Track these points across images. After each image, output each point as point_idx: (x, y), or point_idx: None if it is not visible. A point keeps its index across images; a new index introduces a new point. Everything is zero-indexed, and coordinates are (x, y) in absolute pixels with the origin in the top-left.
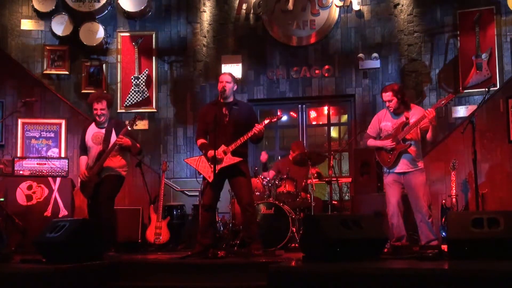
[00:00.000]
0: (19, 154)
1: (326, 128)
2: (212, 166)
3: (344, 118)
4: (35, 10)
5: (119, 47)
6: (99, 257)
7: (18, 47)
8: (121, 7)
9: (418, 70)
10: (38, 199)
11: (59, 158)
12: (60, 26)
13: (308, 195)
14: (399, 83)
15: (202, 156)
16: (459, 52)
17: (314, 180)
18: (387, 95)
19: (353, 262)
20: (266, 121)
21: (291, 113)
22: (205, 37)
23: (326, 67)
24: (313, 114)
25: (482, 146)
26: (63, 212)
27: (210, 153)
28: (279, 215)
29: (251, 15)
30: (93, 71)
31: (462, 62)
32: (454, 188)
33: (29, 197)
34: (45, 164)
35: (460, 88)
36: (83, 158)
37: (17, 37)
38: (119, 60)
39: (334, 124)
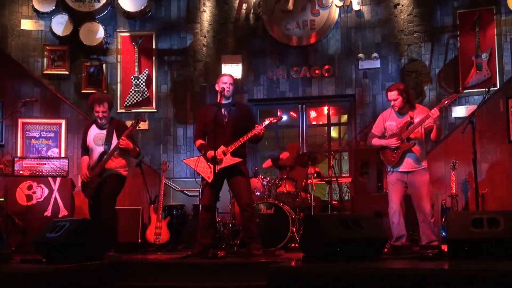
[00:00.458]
0: (19, 154)
1: (326, 128)
2: (211, 166)
3: (344, 118)
4: (35, 10)
5: (119, 47)
6: (99, 257)
7: (18, 47)
8: (121, 7)
9: (418, 70)
10: (38, 199)
11: (59, 158)
12: (60, 26)
13: (308, 195)
14: (404, 83)
15: (201, 156)
16: (459, 52)
17: (314, 180)
18: (393, 94)
19: (353, 262)
20: (267, 122)
21: (291, 113)
22: (205, 37)
23: (326, 67)
24: (313, 114)
25: (482, 146)
26: (63, 212)
27: (210, 153)
28: (279, 215)
29: (251, 15)
30: (93, 71)
31: (462, 62)
32: (454, 188)
33: (29, 197)
34: (45, 164)
35: (460, 88)
36: (85, 159)
37: (17, 37)
38: (119, 60)
39: (334, 124)
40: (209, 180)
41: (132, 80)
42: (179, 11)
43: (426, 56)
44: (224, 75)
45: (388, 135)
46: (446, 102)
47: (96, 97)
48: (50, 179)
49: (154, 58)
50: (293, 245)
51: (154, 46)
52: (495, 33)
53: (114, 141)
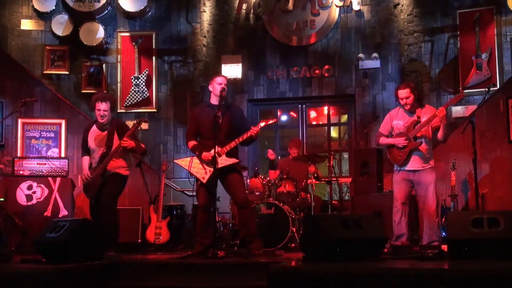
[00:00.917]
0: (19, 154)
1: (326, 128)
2: (205, 167)
3: (344, 118)
4: (35, 10)
5: (119, 47)
6: (99, 257)
7: (18, 47)
8: (121, 7)
9: (418, 70)
10: (38, 199)
11: (59, 158)
12: (60, 26)
13: (308, 195)
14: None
15: (194, 157)
16: (459, 52)
17: (313, 180)
18: (405, 92)
19: (353, 262)
20: (262, 124)
21: (291, 113)
22: (205, 37)
23: (326, 67)
24: (313, 114)
25: (482, 146)
26: (63, 212)
27: (205, 155)
28: (279, 215)
29: (251, 15)
30: (93, 71)
31: (462, 62)
32: (454, 188)
33: (29, 197)
34: (45, 164)
35: (460, 88)
36: (86, 159)
37: (17, 37)
38: (119, 60)
39: (334, 124)
40: (204, 181)
41: (132, 80)
42: (179, 11)
43: (426, 56)
44: (219, 75)
45: (395, 134)
46: (453, 101)
47: (100, 95)
48: (50, 179)
49: (154, 58)
50: (293, 245)
51: (154, 46)
52: (495, 33)
53: (116, 142)
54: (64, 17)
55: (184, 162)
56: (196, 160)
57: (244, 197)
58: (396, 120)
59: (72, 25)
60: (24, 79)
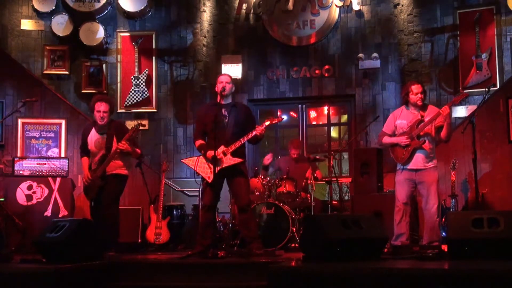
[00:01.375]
0: (19, 154)
1: (326, 128)
2: (211, 166)
3: (344, 118)
4: (35, 10)
5: (119, 47)
6: (99, 257)
7: (18, 47)
8: (121, 7)
9: (418, 70)
10: (38, 199)
11: (59, 158)
12: (60, 26)
13: (308, 195)
14: None
15: (201, 156)
16: (459, 52)
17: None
18: (419, 87)
19: (353, 262)
20: (267, 123)
21: (291, 113)
22: (205, 37)
23: (326, 67)
24: (313, 114)
25: (482, 146)
26: (63, 212)
27: (209, 153)
28: (279, 215)
29: (251, 15)
30: (93, 71)
31: (462, 62)
32: (454, 188)
33: (29, 197)
34: (45, 164)
35: (460, 88)
36: (85, 160)
37: (17, 37)
38: (119, 60)
39: (334, 124)
40: (209, 181)
41: (132, 80)
42: (179, 11)
43: (426, 56)
44: (221, 74)
45: (399, 133)
46: (457, 100)
47: (99, 96)
48: (50, 179)
49: (154, 58)
50: (293, 245)
51: (154, 46)
52: (495, 33)
53: (115, 144)
54: (64, 17)
55: (191, 161)
56: (202, 160)
57: (246, 201)
58: (399, 120)
59: (72, 25)
60: (24, 79)
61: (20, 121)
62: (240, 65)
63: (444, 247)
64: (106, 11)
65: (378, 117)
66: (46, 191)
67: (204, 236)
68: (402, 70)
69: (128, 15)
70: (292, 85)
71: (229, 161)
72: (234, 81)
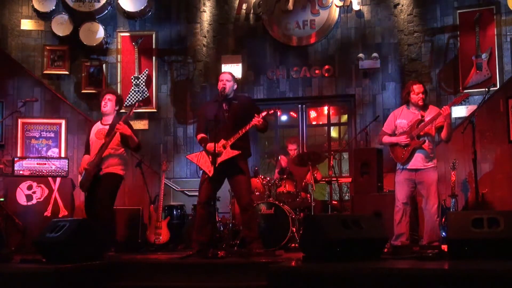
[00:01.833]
0: (19, 154)
1: (326, 128)
2: (211, 159)
3: (344, 118)
4: (35, 10)
5: (119, 47)
6: (99, 257)
7: (18, 47)
8: (121, 7)
9: (418, 70)
10: (38, 199)
11: (59, 158)
12: (60, 26)
13: (308, 195)
14: None
15: (203, 151)
16: (459, 52)
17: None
18: (421, 87)
19: (353, 262)
20: (264, 113)
21: (291, 113)
22: (205, 37)
23: (326, 67)
24: (313, 114)
25: (482, 146)
26: (63, 212)
27: (209, 145)
28: (279, 215)
29: (251, 15)
30: (93, 71)
31: (462, 62)
32: (454, 188)
33: (29, 197)
34: (45, 164)
35: (460, 88)
36: (86, 157)
37: (17, 37)
38: (119, 60)
39: (334, 124)
40: (210, 174)
41: (132, 80)
42: (179, 11)
43: (426, 56)
44: (222, 72)
45: (399, 133)
46: (457, 100)
47: (107, 89)
48: (50, 179)
49: (154, 58)
50: (293, 245)
51: (154, 46)
52: (495, 33)
53: (117, 136)
54: (64, 17)
55: (194, 156)
56: (204, 154)
57: (248, 200)
58: (400, 119)
59: (72, 25)
60: (24, 79)
61: (20, 121)
62: (240, 65)
63: (444, 247)
64: (106, 11)
65: (378, 117)
66: (46, 191)
67: (200, 233)
68: (402, 70)
69: (128, 15)
70: (292, 85)
71: (228, 153)
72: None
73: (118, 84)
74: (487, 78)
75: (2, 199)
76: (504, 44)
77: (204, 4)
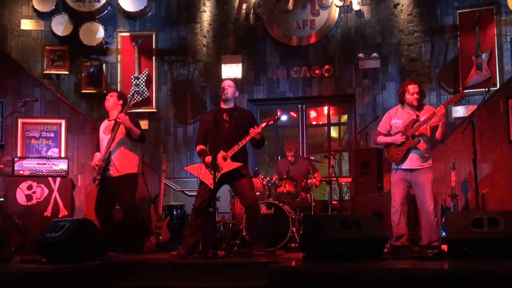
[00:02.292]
0: (19, 154)
1: (326, 128)
2: (212, 173)
3: (344, 118)
4: (35, 10)
5: (119, 47)
6: (99, 257)
7: (18, 47)
8: (121, 7)
9: (418, 70)
10: (38, 199)
11: (59, 158)
12: (60, 26)
13: (308, 195)
14: None
15: (202, 163)
16: (459, 52)
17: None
18: (416, 87)
19: (353, 262)
20: (263, 124)
21: (291, 113)
22: (205, 37)
23: (326, 67)
24: (313, 114)
25: (482, 146)
26: (63, 212)
27: (208, 159)
28: (279, 215)
29: (251, 15)
30: (93, 71)
31: (462, 62)
32: (454, 188)
33: (29, 197)
34: (45, 164)
35: (460, 88)
36: (97, 154)
37: (17, 37)
38: (119, 60)
39: (334, 124)
40: (212, 187)
41: (132, 80)
42: (179, 11)
43: (426, 56)
44: (224, 80)
45: (394, 133)
46: (453, 100)
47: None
48: (50, 179)
49: (154, 58)
50: (293, 245)
51: (154, 46)
52: (495, 33)
53: (121, 129)
54: (64, 17)
55: (193, 168)
56: (203, 166)
57: (252, 199)
58: (395, 119)
59: (72, 25)
60: (24, 79)
61: (20, 121)
62: (240, 65)
63: (444, 247)
64: (106, 11)
65: (378, 117)
66: (46, 191)
67: (191, 234)
68: (402, 70)
69: (128, 15)
70: (292, 85)
71: (228, 166)
72: (234, 81)
73: (118, 84)
74: (487, 78)
75: (2, 199)
76: (504, 44)
77: (204, 4)
